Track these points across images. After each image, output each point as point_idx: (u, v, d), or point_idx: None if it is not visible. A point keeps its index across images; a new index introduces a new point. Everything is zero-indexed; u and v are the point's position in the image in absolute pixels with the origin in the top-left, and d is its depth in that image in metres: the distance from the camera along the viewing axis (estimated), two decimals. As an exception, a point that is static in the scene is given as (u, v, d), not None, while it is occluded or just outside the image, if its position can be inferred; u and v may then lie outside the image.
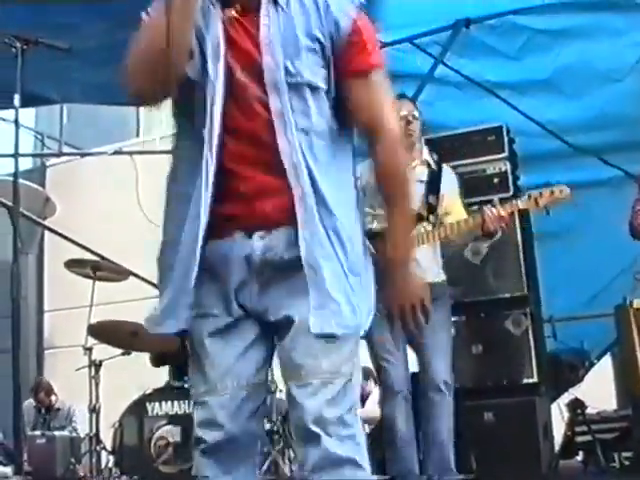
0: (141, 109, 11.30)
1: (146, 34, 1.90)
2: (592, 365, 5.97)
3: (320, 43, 1.97)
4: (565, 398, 5.60)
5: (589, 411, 5.29)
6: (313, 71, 1.97)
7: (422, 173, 4.38)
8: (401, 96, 4.37)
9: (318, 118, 1.98)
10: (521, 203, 4.13)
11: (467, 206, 4.48)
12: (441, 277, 4.37)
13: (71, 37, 4.22)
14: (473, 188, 5.05)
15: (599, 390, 5.91)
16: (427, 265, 4.15)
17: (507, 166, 5.26)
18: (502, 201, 4.23)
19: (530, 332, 4.98)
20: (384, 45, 5.73)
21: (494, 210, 4.09)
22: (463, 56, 6.10)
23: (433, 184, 4.38)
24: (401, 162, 2.09)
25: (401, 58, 6.08)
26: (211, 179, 1.92)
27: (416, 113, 4.39)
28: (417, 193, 4.16)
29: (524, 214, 4.83)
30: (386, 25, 5.56)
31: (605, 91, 5.94)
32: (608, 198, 6.30)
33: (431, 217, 4.29)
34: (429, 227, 4.28)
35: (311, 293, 1.92)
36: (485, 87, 6.09)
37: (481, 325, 5.06)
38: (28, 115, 11.22)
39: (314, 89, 1.98)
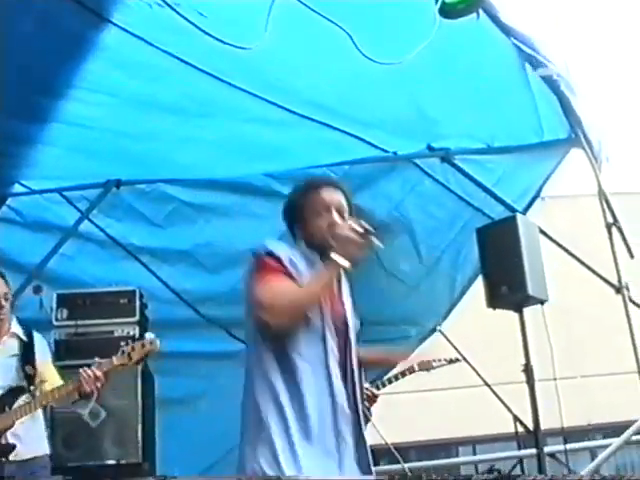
0: None
1: (300, 296, 2.83)
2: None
3: None
4: None
5: None
6: None
7: (13, 347, 4.46)
8: None
9: None
10: (116, 360, 4.17)
11: (61, 369, 4.46)
12: (43, 450, 4.39)
13: None
14: (99, 350, 5.01)
15: None
16: (28, 440, 4.26)
17: (136, 330, 5.32)
18: (99, 362, 4.22)
19: (141, 500, 4.92)
20: (32, 192, 5.66)
21: (89, 372, 4.11)
22: (110, 216, 6.21)
23: (26, 355, 4.43)
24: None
25: (48, 208, 6.01)
26: None
27: (8, 290, 4.48)
28: (12, 367, 4.34)
29: (145, 379, 4.86)
30: (37, 173, 5.50)
31: (241, 270, 6.28)
32: (233, 370, 6.53)
33: (31, 388, 4.32)
34: (28, 399, 4.28)
35: None
36: (127, 249, 6.19)
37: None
38: None
39: None
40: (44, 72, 4.56)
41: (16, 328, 4.52)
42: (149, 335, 4.26)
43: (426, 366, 5.37)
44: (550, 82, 4.83)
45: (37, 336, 4.58)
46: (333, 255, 2.79)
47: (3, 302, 4.40)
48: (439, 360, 5.45)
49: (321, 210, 2.96)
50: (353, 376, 2.87)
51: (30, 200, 6.07)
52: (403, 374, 5.40)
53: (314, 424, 2.71)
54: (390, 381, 5.31)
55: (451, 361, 5.53)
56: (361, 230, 2.82)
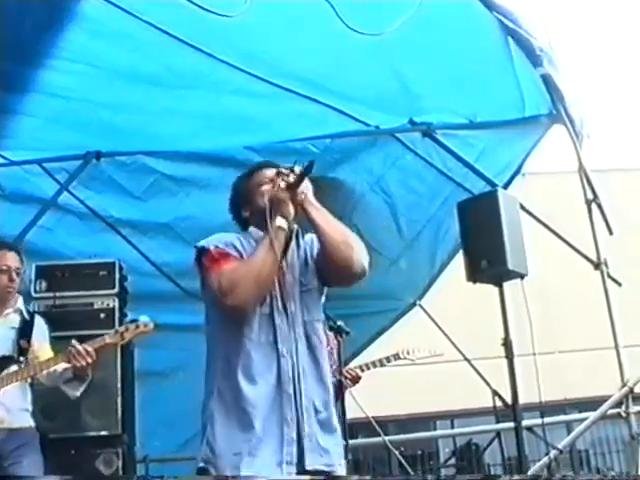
0: None
1: (256, 268, 2.75)
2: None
3: None
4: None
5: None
6: None
7: (15, 321, 4.47)
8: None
9: None
10: (108, 338, 4.18)
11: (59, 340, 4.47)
12: (29, 422, 4.33)
13: None
14: (78, 322, 5.01)
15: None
16: (15, 410, 4.22)
17: (115, 302, 5.30)
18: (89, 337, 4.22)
19: (121, 472, 4.93)
20: (11, 163, 5.61)
21: (79, 347, 4.09)
22: (90, 187, 6.16)
23: (25, 330, 4.43)
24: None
25: (27, 179, 5.96)
26: None
27: (21, 266, 4.46)
28: (8, 339, 4.34)
29: (125, 351, 4.85)
30: (15, 144, 5.45)
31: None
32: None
33: (21, 358, 4.30)
34: (17, 368, 4.28)
35: None
36: (106, 222, 6.16)
37: (71, 463, 4.90)
38: None
39: None
40: (23, 41, 4.51)
41: (22, 305, 4.56)
42: (144, 317, 4.26)
43: (410, 355, 5.50)
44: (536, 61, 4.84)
45: (39, 318, 4.59)
46: (277, 220, 2.80)
47: (14, 276, 4.39)
48: (423, 351, 5.59)
49: (264, 184, 2.96)
50: (297, 350, 2.79)
51: (8, 171, 6.02)
52: (388, 359, 5.48)
53: (254, 413, 2.68)
54: (375, 365, 5.39)
55: (435, 355, 5.70)
56: (292, 179, 2.82)
